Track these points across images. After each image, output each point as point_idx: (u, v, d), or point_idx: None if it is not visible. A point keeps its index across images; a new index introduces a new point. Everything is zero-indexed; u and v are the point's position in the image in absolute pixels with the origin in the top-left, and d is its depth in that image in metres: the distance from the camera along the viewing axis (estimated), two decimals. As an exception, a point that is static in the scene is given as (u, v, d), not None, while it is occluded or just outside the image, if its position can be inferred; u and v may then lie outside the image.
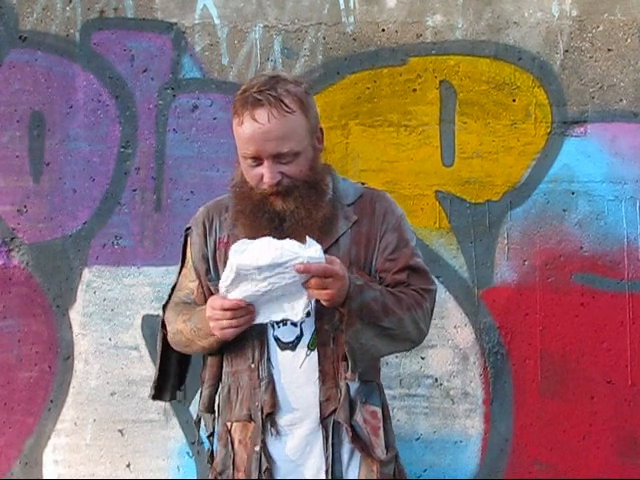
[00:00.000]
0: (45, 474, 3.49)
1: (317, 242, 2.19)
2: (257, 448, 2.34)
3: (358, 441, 2.35)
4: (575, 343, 3.39)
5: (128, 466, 3.48)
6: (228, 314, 2.21)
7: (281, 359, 2.36)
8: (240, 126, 2.27)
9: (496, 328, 3.40)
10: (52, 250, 3.48)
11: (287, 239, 2.18)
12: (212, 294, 2.35)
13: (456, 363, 3.42)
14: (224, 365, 2.43)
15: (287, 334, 2.36)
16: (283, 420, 2.35)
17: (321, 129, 2.39)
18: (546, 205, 3.39)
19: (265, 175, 2.28)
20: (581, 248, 3.39)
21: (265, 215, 2.32)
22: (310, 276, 2.15)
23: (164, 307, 2.54)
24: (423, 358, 3.41)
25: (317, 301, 2.27)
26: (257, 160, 2.28)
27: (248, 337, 2.35)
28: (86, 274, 3.48)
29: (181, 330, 2.40)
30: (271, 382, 2.35)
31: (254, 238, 2.21)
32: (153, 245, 3.46)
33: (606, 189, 3.38)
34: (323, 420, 2.35)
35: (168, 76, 3.47)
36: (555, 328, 3.39)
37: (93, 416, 3.49)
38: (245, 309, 2.21)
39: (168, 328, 2.48)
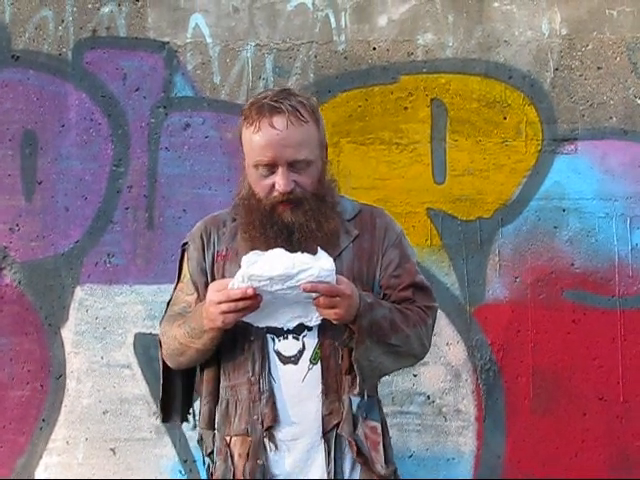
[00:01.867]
0: (37, 493, 3.48)
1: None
2: (260, 462, 2.32)
3: (361, 456, 2.36)
4: (567, 360, 3.40)
5: (120, 485, 3.47)
6: (232, 299, 2.20)
7: (282, 373, 2.34)
8: (256, 133, 2.27)
9: (488, 345, 3.41)
10: (44, 268, 3.48)
11: (298, 252, 2.19)
12: None
13: (448, 380, 3.42)
14: (221, 380, 2.40)
15: (289, 348, 2.34)
16: (282, 434, 2.34)
17: (326, 144, 2.42)
18: (537, 222, 3.41)
19: (280, 182, 2.27)
20: (572, 265, 3.40)
21: (274, 227, 2.30)
22: (319, 294, 2.16)
23: (161, 324, 2.52)
24: (415, 375, 3.41)
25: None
26: (271, 168, 2.28)
27: (247, 350, 2.34)
28: (78, 292, 3.47)
29: (175, 335, 2.37)
30: (272, 396, 2.33)
31: (263, 250, 2.21)
32: (145, 263, 3.46)
33: (597, 206, 3.40)
34: (325, 434, 2.34)
35: (160, 95, 3.48)
36: (547, 345, 3.40)
37: (85, 435, 3.48)
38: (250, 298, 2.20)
39: (163, 340, 2.45)
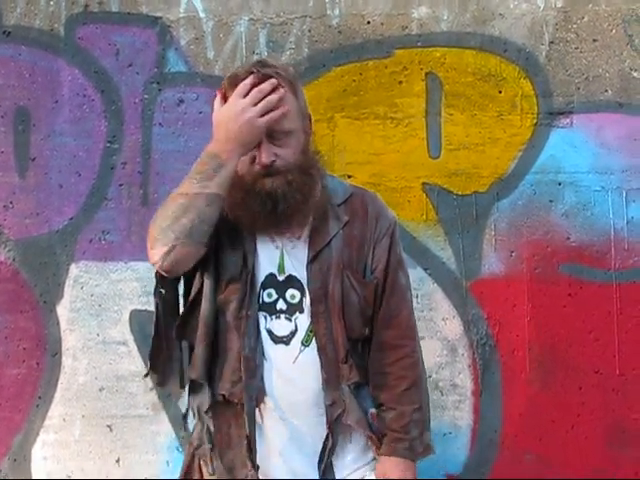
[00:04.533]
0: (34, 470, 3.48)
1: (310, 242, 2.29)
2: (247, 430, 2.29)
3: (373, 439, 2.39)
4: (563, 333, 3.40)
5: (117, 461, 3.47)
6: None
7: (273, 352, 2.33)
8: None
9: (484, 319, 3.41)
10: (39, 246, 3.47)
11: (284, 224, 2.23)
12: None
13: (444, 355, 3.43)
14: (220, 339, 2.34)
15: (280, 328, 2.34)
16: (271, 409, 2.33)
17: (309, 115, 2.38)
18: (533, 196, 3.40)
19: (261, 155, 2.24)
20: (568, 239, 3.40)
21: (257, 199, 2.26)
22: None
23: None
24: (412, 350, 3.41)
25: (311, 305, 2.31)
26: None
27: (241, 325, 2.31)
28: (73, 270, 3.47)
29: (174, 197, 2.27)
30: (261, 372, 2.31)
31: (251, 228, 2.23)
32: (140, 240, 3.44)
33: (592, 179, 3.39)
34: (330, 425, 2.33)
35: (153, 70, 3.46)
36: (543, 319, 3.40)
37: (82, 412, 3.48)
38: None
39: (153, 225, 2.28)
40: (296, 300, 2.34)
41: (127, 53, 3.45)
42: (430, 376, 3.42)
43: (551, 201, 3.40)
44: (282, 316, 2.34)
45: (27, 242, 3.47)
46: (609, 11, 3.38)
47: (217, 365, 2.34)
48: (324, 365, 2.33)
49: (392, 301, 2.43)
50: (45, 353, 3.48)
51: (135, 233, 3.45)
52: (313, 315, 2.33)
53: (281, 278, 2.35)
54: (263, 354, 2.33)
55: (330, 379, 2.34)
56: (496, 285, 3.41)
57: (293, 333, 2.34)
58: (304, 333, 2.34)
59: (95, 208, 3.46)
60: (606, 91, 3.39)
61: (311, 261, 2.34)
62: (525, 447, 3.41)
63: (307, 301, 2.33)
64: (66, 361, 3.48)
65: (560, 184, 3.40)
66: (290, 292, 2.34)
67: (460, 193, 3.41)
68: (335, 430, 2.34)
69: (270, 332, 2.34)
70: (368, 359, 2.42)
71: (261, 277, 2.34)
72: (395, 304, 2.43)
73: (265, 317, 2.34)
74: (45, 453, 3.49)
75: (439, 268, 3.40)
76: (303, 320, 2.34)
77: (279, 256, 2.34)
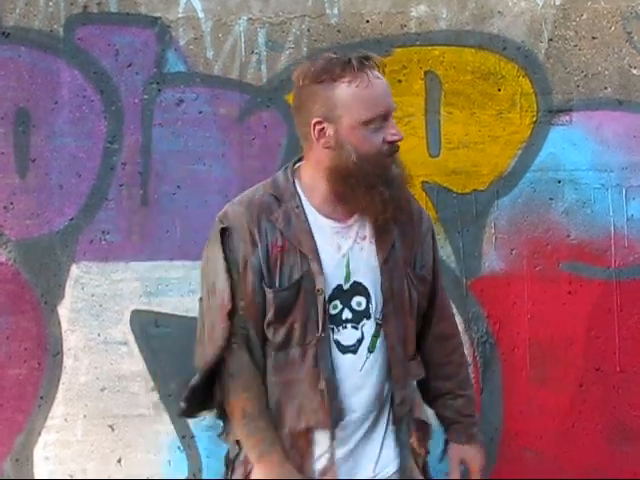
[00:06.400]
0: (36, 471, 3.48)
1: (378, 243, 2.34)
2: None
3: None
4: (563, 331, 3.40)
5: (119, 461, 3.48)
6: None
7: (341, 363, 2.30)
8: (366, 87, 2.19)
9: (484, 317, 3.41)
10: (39, 246, 3.47)
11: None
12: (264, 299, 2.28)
13: (445, 353, 3.43)
14: (269, 375, 2.30)
15: (348, 337, 2.31)
16: (340, 425, 2.32)
17: None
18: (533, 194, 3.40)
19: (394, 130, 2.23)
20: (568, 236, 3.40)
21: (384, 181, 2.24)
22: None
23: (232, 314, 2.28)
24: (412, 348, 3.42)
25: (383, 306, 2.33)
26: (383, 120, 2.22)
27: (308, 345, 2.27)
28: (74, 270, 3.47)
29: (236, 417, 2.29)
30: (335, 387, 2.28)
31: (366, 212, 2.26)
32: (141, 240, 3.45)
33: (592, 177, 3.39)
34: (397, 422, 2.37)
35: (153, 70, 3.46)
36: (543, 316, 3.40)
37: (83, 412, 3.49)
38: None
39: (221, 386, 2.31)
40: (362, 307, 2.32)
41: (126, 53, 3.45)
42: (431, 374, 3.43)
43: (551, 199, 3.40)
44: (349, 325, 2.31)
45: (28, 243, 3.47)
46: (608, 8, 3.38)
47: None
48: (394, 365, 2.34)
49: (443, 295, 2.57)
50: (46, 353, 3.49)
51: (135, 233, 3.45)
52: (384, 316, 2.32)
53: (346, 287, 2.31)
54: (333, 367, 2.29)
55: (399, 378, 2.35)
56: (496, 283, 3.41)
57: (360, 341, 2.32)
58: (369, 340, 2.33)
59: (95, 209, 3.46)
60: (605, 88, 3.39)
61: (384, 263, 2.33)
62: (525, 444, 3.41)
63: (373, 306, 2.32)
64: (67, 361, 3.48)
65: (560, 182, 3.40)
66: (356, 300, 2.32)
67: (460, 191, 3.41)
68: (401, 428, 2.37)
69: (338, 343, 2.31)
70: (424, 352, 2.50)
71: (329, 292, 2.29)
72: (444, 297, 2.59)
73: (332, 329, 2.29)
74: (47, 453, 3.49)
75: (439, 266, 3.40)
76: (369, 326, 2.33)
77: (345, 264, 2.30)
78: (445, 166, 3.40)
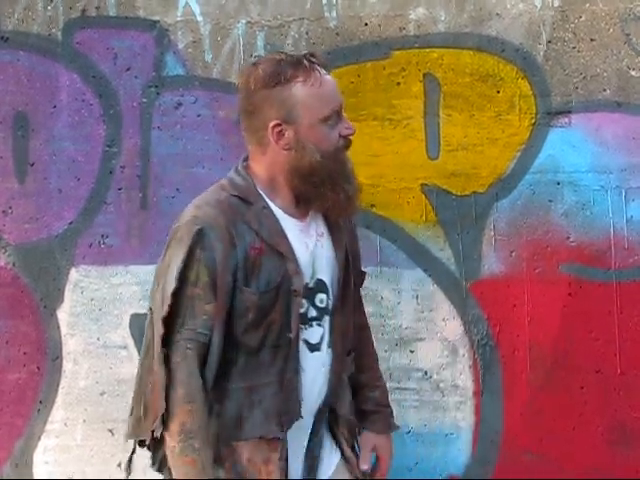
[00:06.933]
0: (35, 475, 3.48)
1: (334, 239, 2.36)
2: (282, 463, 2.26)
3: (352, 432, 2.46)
4: (564, 333, 3.39)
5: (119, 465, 3.47)
6: None
7: (309, 362, 2.30)
8: (320, 86, 2.20)
9: (484, 320, 3.41)
10: (38, 250, 3.47)
11: None
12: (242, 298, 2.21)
13: (445, 356, 3.42)
14: (231, 382, 2.23)
15: (314, 335, 2.31)
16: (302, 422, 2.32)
17: None
18: (532, 196, 3.40)
19: (347, 124, 2.27)
20: (568, 238, 3.39)
21: (344, 178, 2.28)
22: None
23: (165, 340, 2.20)
24: (412, 351, 3.41)
25: (336, 299, 2.34)
26: (338, 116, 2.26)
27: (279, 347, 2.24)
28: (73, 274, 3.47)
29: (178, 412, 2.18)
30: (300, 388, 2.27)
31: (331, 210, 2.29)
32: (140, 243, 3.46)
33: (591, 179, 3.38)
34: (318, 414, 2.35)
35: (151, 74, 3.46)
36: (543, 319, 3.39)
37: (83, 416, 3.48)
38: None
39: (172, 384, 2.20)
40: (324, 304, 2.32)
41: (125, 57, 3.46)
42: (431, 377, 3.43)
43: (550, 201, 3.39)
44: (314, 323, 2.30)
45: (27, 247, 3.47)
46: (607, 10, 3.37)
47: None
48: (335, 361, 2.34)
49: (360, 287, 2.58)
50: (46, 357, 3.49)
51: (134, 237, 3.45)
52: (334, 310, 2.33)
53: (311, 285, 2.30)
54: (300, 366, 2.27)
55: (337, 373, 2.36)
56: (496, 285, 3.40)
57: (322, 337, 2.33)
58: (328, 336, 2.33)
59: (94, 212, 3.46)
60: (604, 90, 3.39)
61: (339, 258, 2.35)
62: (526, 447, 3.40)
63: (331, 302, 2.33)
64: (67, 365, 3.48)
65: (559, 184, 3.39)
66: (319, 297, 2.31)
67: (459, 194, 3.40)
68: (320, 420, 2.37)
69: (306, 342, 2.29)
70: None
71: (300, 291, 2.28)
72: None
73: (300, 327, 2.27)
74: (47, 458, 3.49)
75: (439, 269, 3.39)
76: (328, 322, 2.33)
77: (311, 263, 2.29)
78: (444, 168, 3.40)
